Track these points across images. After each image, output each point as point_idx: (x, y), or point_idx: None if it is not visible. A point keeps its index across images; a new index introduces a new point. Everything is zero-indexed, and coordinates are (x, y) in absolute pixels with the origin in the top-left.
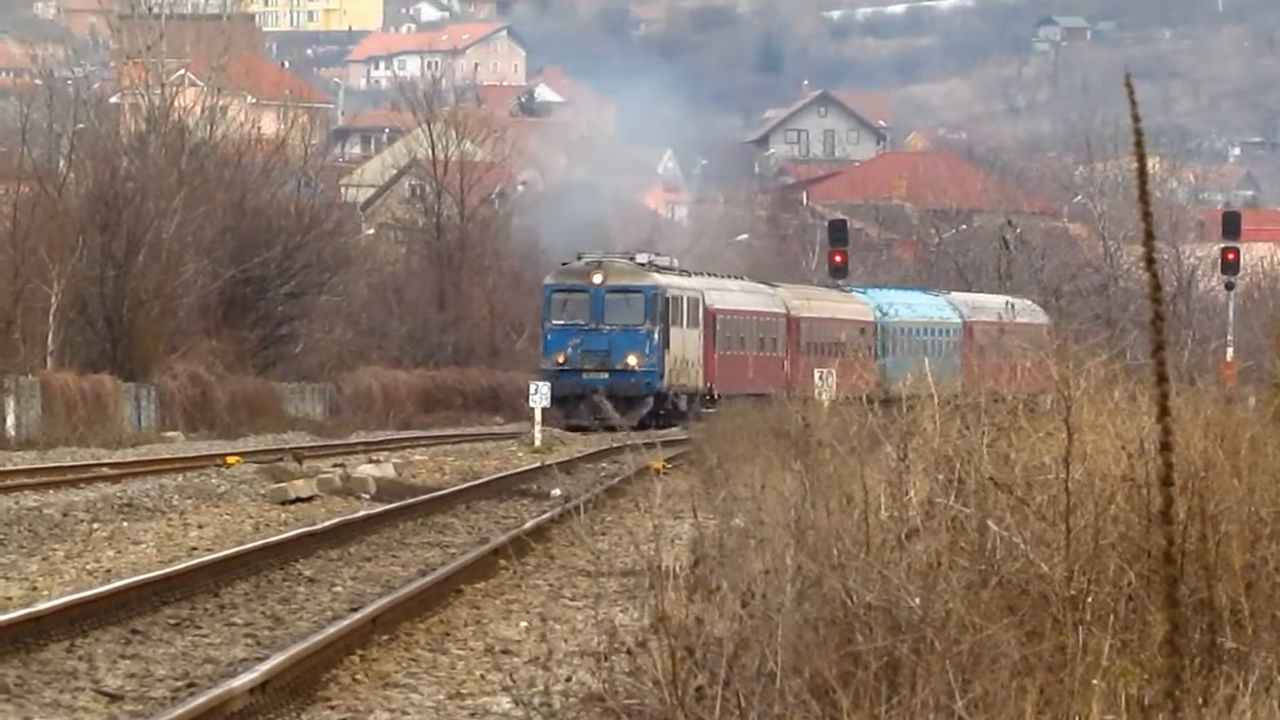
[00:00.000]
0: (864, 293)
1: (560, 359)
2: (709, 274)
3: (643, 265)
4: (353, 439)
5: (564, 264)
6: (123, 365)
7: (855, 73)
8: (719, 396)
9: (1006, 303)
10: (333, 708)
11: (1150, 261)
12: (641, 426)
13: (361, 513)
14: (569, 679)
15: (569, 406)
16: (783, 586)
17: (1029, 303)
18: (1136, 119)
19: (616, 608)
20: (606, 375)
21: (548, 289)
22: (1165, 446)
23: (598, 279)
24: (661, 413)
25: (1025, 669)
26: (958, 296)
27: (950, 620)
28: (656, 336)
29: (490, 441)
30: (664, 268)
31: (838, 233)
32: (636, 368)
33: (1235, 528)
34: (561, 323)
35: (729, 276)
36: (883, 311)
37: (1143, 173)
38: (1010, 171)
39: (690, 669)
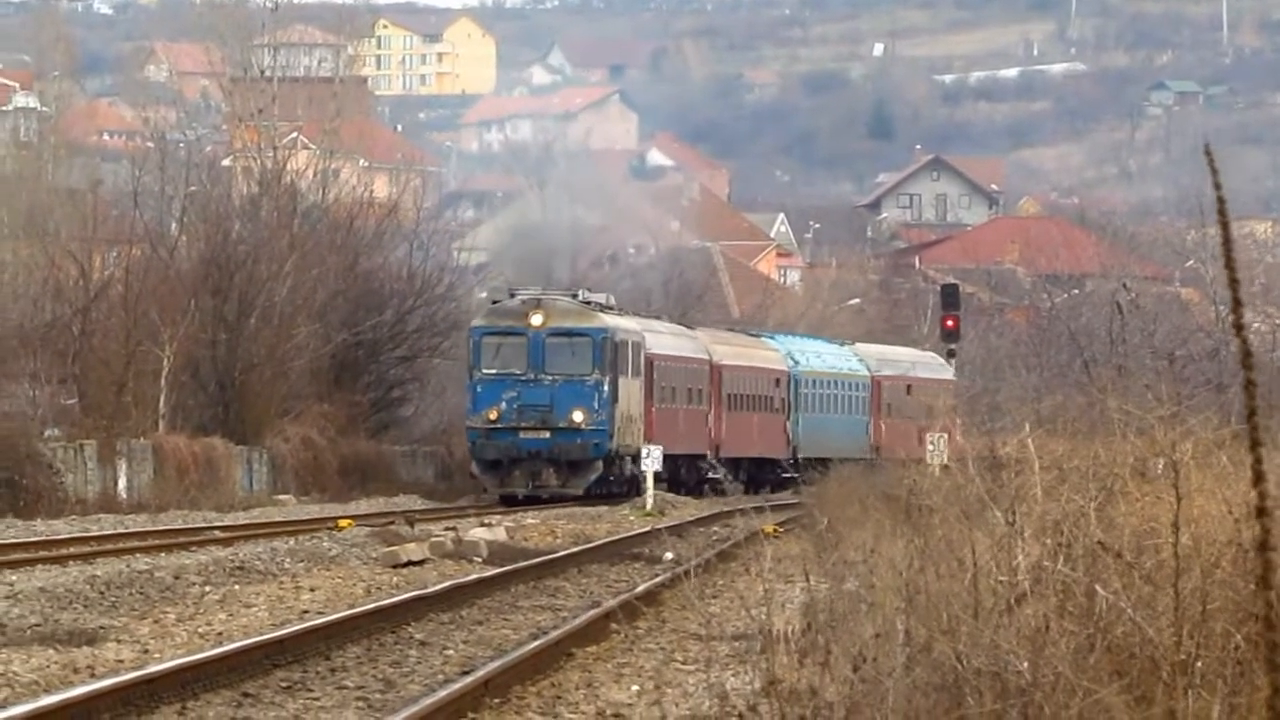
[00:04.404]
0: (773, 338)
1: (492, 415)
2: (636, 313)
3: (588, 305)
4: (464, 502)
5: (495, 302)
6: (234, 428)
7: (967, 137)
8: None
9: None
10: None
11: (1239, 328)
12: (587, 496)
13: (473, 576)
14: None
15: (502, 472)
16: (893, 651)
17: (935, 356)
18: (1218, 186)
19: (728, 671)
20: (548, 435)
21: (476, 331)
22: (1261, 511)
23: (537, 320)
24: (611, 478)
25: None
26: (863, 348)
27: (1059, 684)
28: (606, 389)
29: (602, 505)
30: (606, 307)
31: (950, 297)
32: (583, 426)
33: None
34: (494, 372)
35: (653, 316)
36: (794, 360)
37: (1227, 241)
38: (1122, 236)
39: None
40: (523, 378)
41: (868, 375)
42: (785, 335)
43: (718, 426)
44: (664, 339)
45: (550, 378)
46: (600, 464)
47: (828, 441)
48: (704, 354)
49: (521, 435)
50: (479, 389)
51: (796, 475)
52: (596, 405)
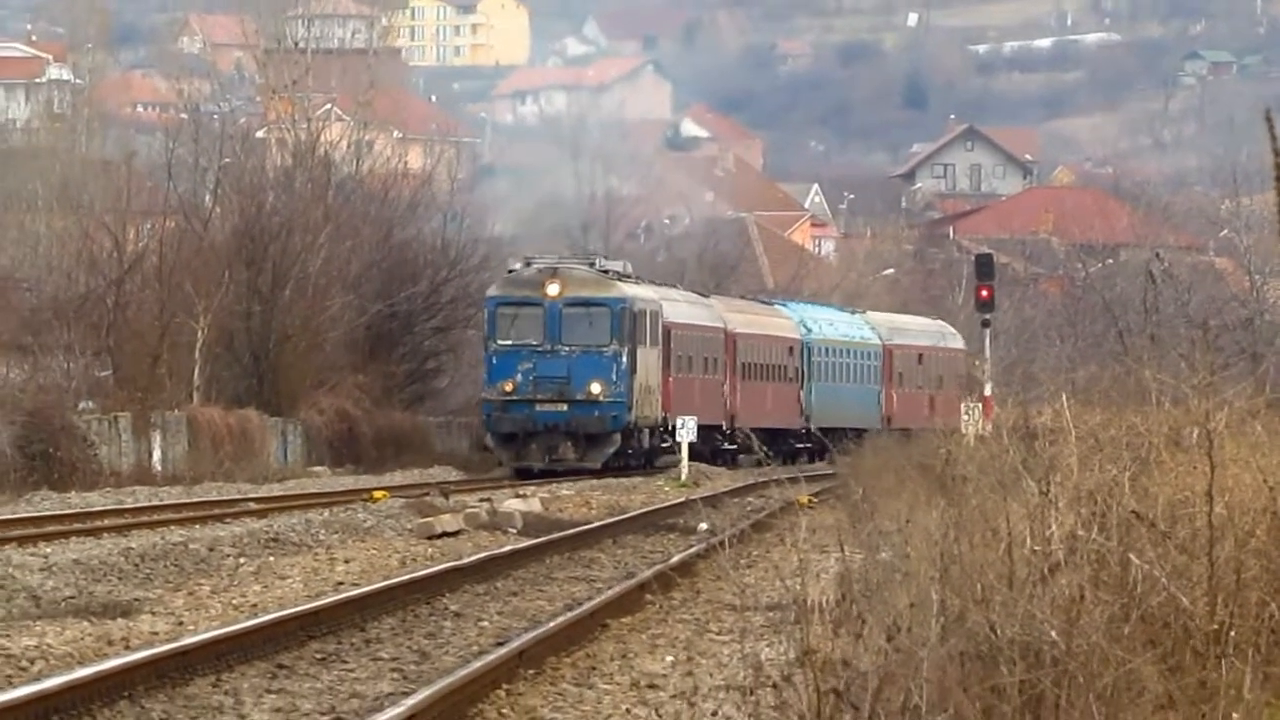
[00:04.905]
0: (785, 306)
1: (508, 388)
2: (651, 281)
3: (605, 273)
4: (499, 474)
5: (510, 270)
6: (269, 400)
7: (1001, 107)
8: (673, 429)
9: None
10: None
11: None
12: (605, 469)
13: (508, 547)
14: (715, 713)
15: (518, 446)
16: (927, 621)
17: (945, 325)
18: (1277, 153)
19: (763, 642)
20: (565, 407)
21: (491, 301)
22: None
23: (553, 290)
24: (629, 451)
25: (1168, 702)
26: (875, 316)
27: (1093, 654)
28: (624, 360)
29: (637, 476)
30: (623, 275)
31: (984, 267)
32: (601, 398)
33: None
34: (509, 343)
35: (668, 284)
36: (807, 328)
37: None
38: (1156, 206)
39: (835, 704)
40: (539, 349)
41: (879, 344)
42: (797, 303)
43: (733, 396)
44: (680, 307)
45: (567, 349)
46: (618, 437)
47: (840, 411)
48: (719, 322)
49: (538, 408)
50: (494, 360)
51: (810, 445)
52: (615, 377)
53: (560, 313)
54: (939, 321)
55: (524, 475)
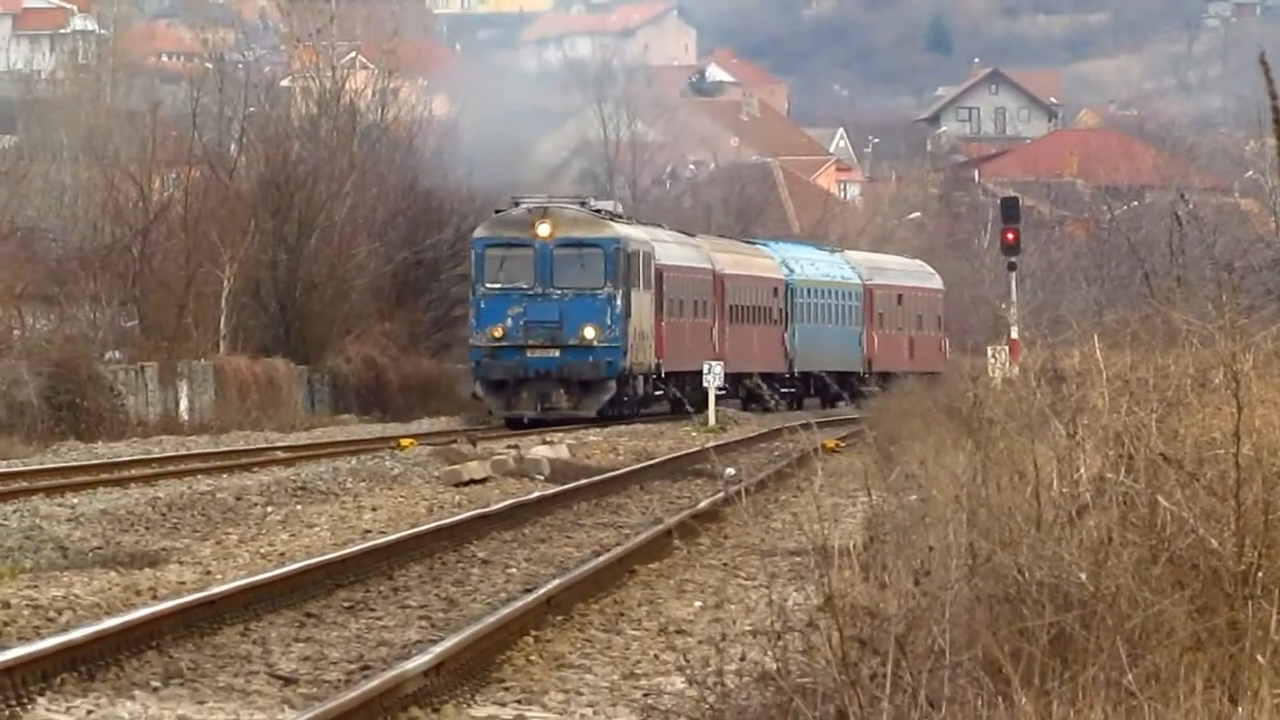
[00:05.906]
0: (767, 245)
1: (497, 333)
2: (640, 221)
3: (598, 213)
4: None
5: (498, 211)
6: (295, 349)
7: (1026, 50)
8: (666, 375)
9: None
10: (507, 689)
11: None
12: (601, 418)
13: (535, 494)
14: (742, 658)
15: (508, 394)
16: (955, 564)
17: (924, 265)
18: (1273, 95)
19: (791, 587)
20: (557, 353)
21: (479, 243)
22: None
23: (544, 230)
24: (624, 399)
25: (1196, 643)
26: (854, 256)
27: (1120, 596)
28: (619, 303)
29: (665, 422)
30: (615, 215)
31: (1010, 210)
32: (595, 343)
33: None
34: (498, 286)
35: (654, 224)
36: (789, 269)
37: None
38: (1181, 148)
39: (860, 650)
40: (529, 292)
41: (860, 284)
42: (779, 242)
43: (721, 340)
44: (671, 248)
45: (559, 292)
46: (613, 383)
47: (823, 354)
48: (708, 263)
49: (529, 354)
50: (482, 305)
51: (794, 390)
52: (609, 321)
53: (551, 254)
54: (917, 261)
55: (515, 425)
